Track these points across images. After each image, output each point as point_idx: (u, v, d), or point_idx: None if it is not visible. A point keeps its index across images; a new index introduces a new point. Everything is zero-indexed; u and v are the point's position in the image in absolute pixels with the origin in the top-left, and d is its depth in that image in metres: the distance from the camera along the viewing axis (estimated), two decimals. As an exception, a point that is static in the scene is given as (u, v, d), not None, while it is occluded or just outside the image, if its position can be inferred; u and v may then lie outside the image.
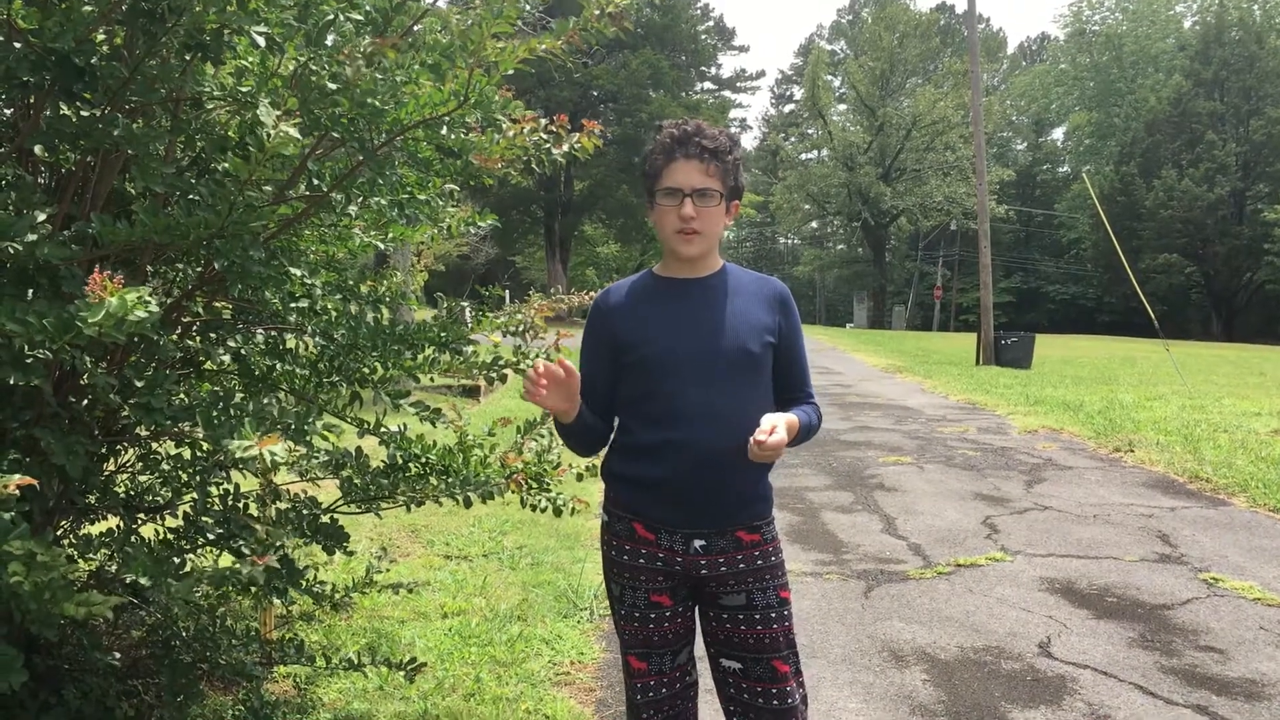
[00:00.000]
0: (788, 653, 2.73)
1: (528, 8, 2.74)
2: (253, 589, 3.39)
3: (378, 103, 2.64)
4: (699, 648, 2.84)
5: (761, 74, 77.57)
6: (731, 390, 2.63)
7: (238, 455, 2.25)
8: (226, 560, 2.96)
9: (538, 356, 2.96)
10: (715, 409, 2.59)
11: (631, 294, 2.76)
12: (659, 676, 2.75)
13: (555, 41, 2.82)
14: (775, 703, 2.70)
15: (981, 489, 8.82)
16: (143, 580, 2.47)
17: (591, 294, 4.10)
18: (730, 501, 2.65)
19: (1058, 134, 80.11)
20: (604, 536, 2.82)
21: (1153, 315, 20.75)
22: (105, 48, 2.55)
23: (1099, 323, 62.08)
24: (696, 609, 2.81)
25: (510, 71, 2.81)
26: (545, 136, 3.08)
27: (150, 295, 2.06)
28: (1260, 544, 6.93)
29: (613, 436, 2.81)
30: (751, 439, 2.48)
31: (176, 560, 2.94)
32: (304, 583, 3.58)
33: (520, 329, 3.63)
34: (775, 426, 2.50)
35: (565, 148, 3.13)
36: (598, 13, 2.80)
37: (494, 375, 3.61)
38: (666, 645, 2.74)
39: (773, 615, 2.70)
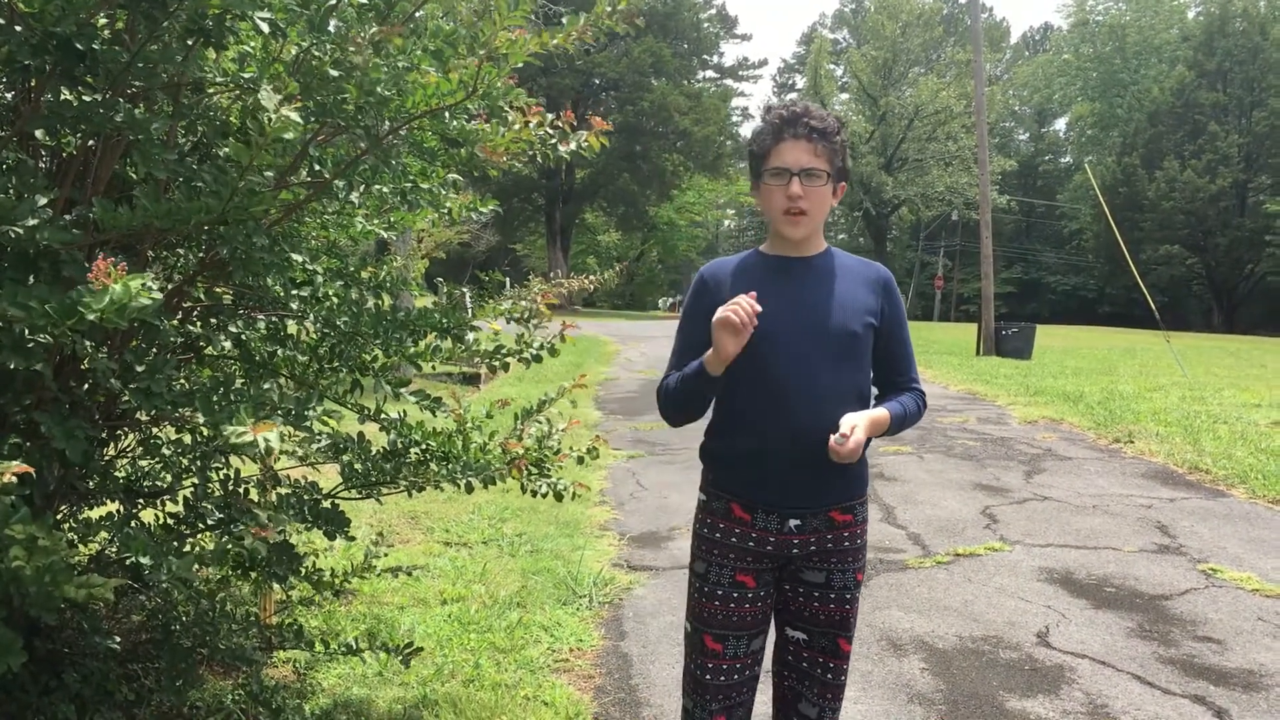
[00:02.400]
0: (852, 633, 2.80)
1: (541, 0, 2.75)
2: (252, 574, 3.40)
3: (384, 91, 2.64)
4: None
5: (764, 63, 77.39)
6: (833, 369, 2.64)
7: (232, 441, 2.25)
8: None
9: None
10: (817, 387, 2.62)
11: (737, 270, 2.77)
12: (731, 660, 2.76)
13: (566, 37, 2.82)
14: (829, 676, 2.78)
15: (981, 479, 8.83)
16: (143, 560, 2.47)
17: (592, 278, 4.10)
18: (827, 479, 2.67)
19: (1060, 124, 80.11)
20: (698, 515, 2.84)
21: (1154, 306, 20.75)
22: (107, 32, 2.55)
23: (1100, 314, 62.09)
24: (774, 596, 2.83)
25: (520, 64, 2.82)
26: (551, 132, 3.08)
27: (153, 282, 2.06)
28: (1259, 535, 6.93)
29: (711, 417, 2.82)
30: (831, 439, 2.51)
31: (176, 544, 2.94)
32: (304, 569, 3.59)
33: (523, 316, 3.63)
34: (855, 427, 2.53)
35: (572, 145, 3.13)
36: (609, 9, 2.81)
37: (497, 364, 3.61)
38: (744, 629, 2.76)
39: (847, 596, 2.76)
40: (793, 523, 2.69)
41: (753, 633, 2.78)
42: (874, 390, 2.82)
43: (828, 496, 2.71)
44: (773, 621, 2.86)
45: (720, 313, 2.48)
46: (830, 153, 2.62)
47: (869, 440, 2.64)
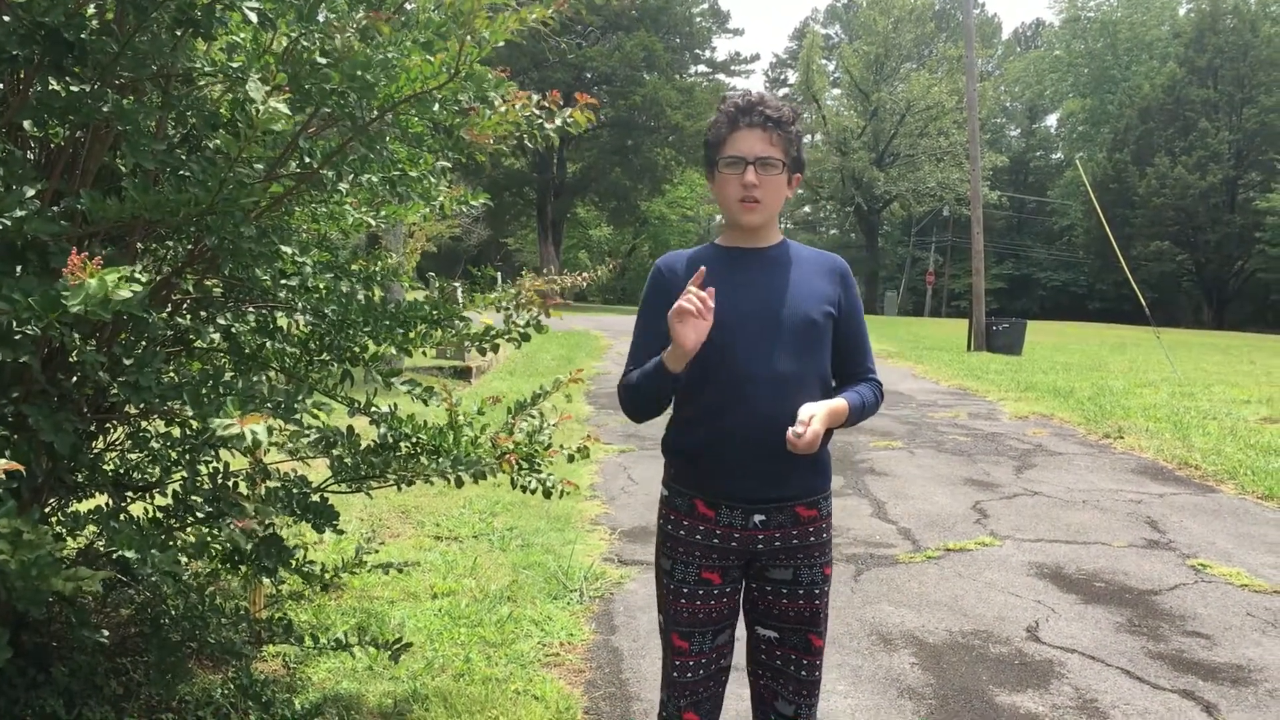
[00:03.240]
0: (823, 628, 2.78)
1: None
2: (241, 568, 3.39)
3: (370, 76, 2.62)
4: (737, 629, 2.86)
5: (756, 58, 77.20)
6: (793, 358, 2.63)
7: (219, 433, 2.24)
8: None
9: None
10: (777, 376, 2.60)
11: (693, 262, 2.74)
12: (697, 656, 2.76)
13: (545, 11, 2.79)
14: (804, 673, 2.77)
15: (971, 474, 8.84)
16: (128, 553, 2.46)
17: (583, 275, 4.09)
18: (791, 469, 2.64)
19: (1051, 120, 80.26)
20: (662, 510, 2.83)
21: (1144, 302, 20.77)
22: (95, 22, 2.53)
23: (1090, 310, 62.17)
24: (742, 588, 2.83)
25: (501, 43, 2.79)
26: (537, 112, 3.07)
27: (141, 273, 2.05)
28: (1248, 530, 6.96)
29: (672, 410, 2.80)
30: (789, 431, 2.49)
31: (164, 538, 2.93)
32: (293, 561, 3.58)
33: (514, 304, 3.63)
34: (813, 417, 2.51)
35: (558, 123, 3.11)
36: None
37: (486, 346, 3.60)
38: (710, 624, 2.75)
39: (816, 591, 2.74)
40: (757, 518, 2.68)
41: (719, 628, 2.78)
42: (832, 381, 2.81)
43: (791, 488, 2.69)
44: (743, 621, 2.84)
45: (675, 306, 2.47)
46: (785, 142, 2.61)
47: (830, 432, 2.65)
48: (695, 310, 2.45)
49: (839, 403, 2.65)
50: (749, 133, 2.59)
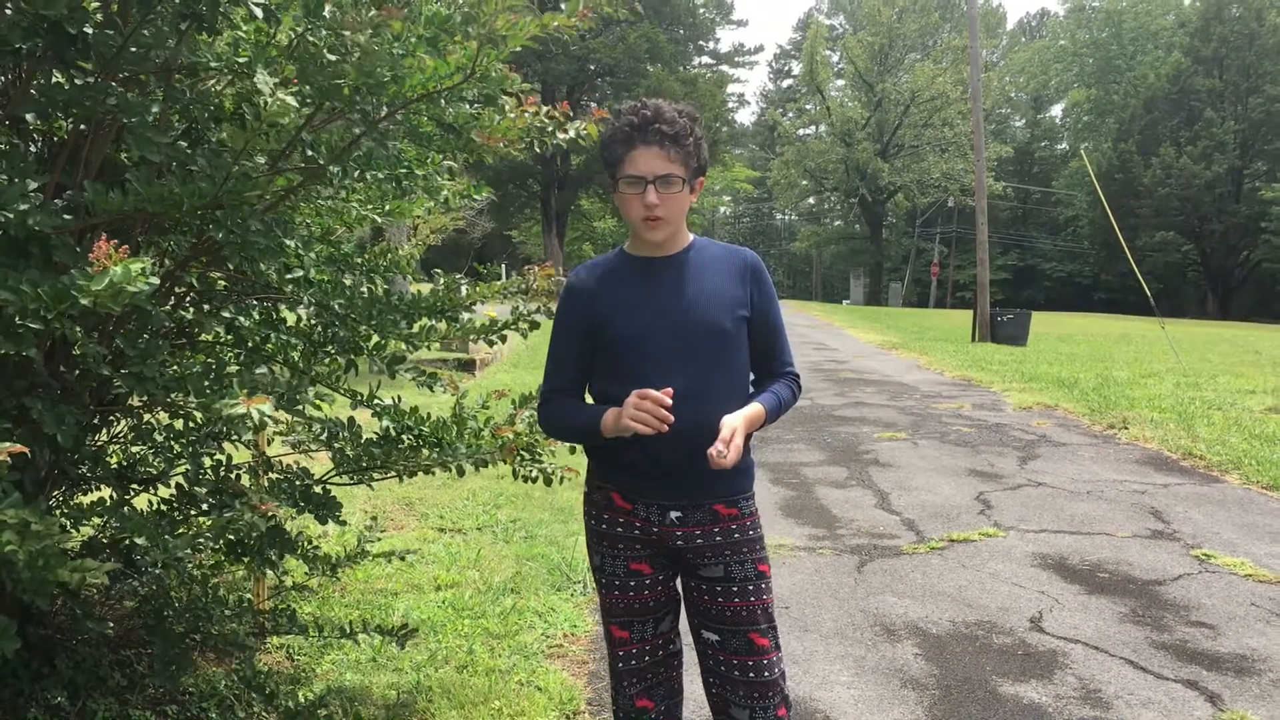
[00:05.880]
0: (765, 626, 2.74)
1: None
2: (245, 558, 3.40)
3: (383, 74, 2.63)
4: (684, 622, 2.86)
5: (760, 49, 77.15)
6: (709, 367, 2.62)
7: (225, 413, 2.25)
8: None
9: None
10: (694, 386, 2.58)
11: (603, 273, 2.74)
12: (640, 644, 2.79)
13: (567, 19, 2.80)
14: (751, 675, 2.72)
15: (976, 465, 8.83)
16: (139, 540, 2.47)
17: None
18: (708, 476, 2.62)
19: (1056, 110, 79.97)
20: (585, 507, 2.85)
21: (1149, 293, 20.76)
22: (99, 15, 2.53)
23: (1095, 300, 62.14)
24: (679, 579, 2.83)
25: (518, 48, 2.81)
26: (546, 121, 3.08)
27: (153, 268, 2.06)
28: (1252, 521, 6.95)
29: None
30: (710, 450, 2.48)
31: (170, 527, 2.94)
32: (299, 547, 3.59)
33: (519, 289, 3.63)
34: (734, 431, 2.53)
35: (570, 134, 3.12)
36: (609, -8, 2.80)
37: (492, 340, 3.61)
38: (648, 613, 2.77)
39: (750, 588, 2.71)
40: (673, 514, 2.68)
41: (657, 615, 2.79)
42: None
43: (708, 492, 2.68)
44: (690, 626, 2.83)
45: (631, 418, 2.47)
46: (684, 156, 2.55)
47: (749, 435, 2.65)
48: (655, 428, 2.46)
49: (756, 409, 2.66)
50: (646, 150, 2.53)
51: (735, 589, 2.70)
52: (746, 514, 2.74)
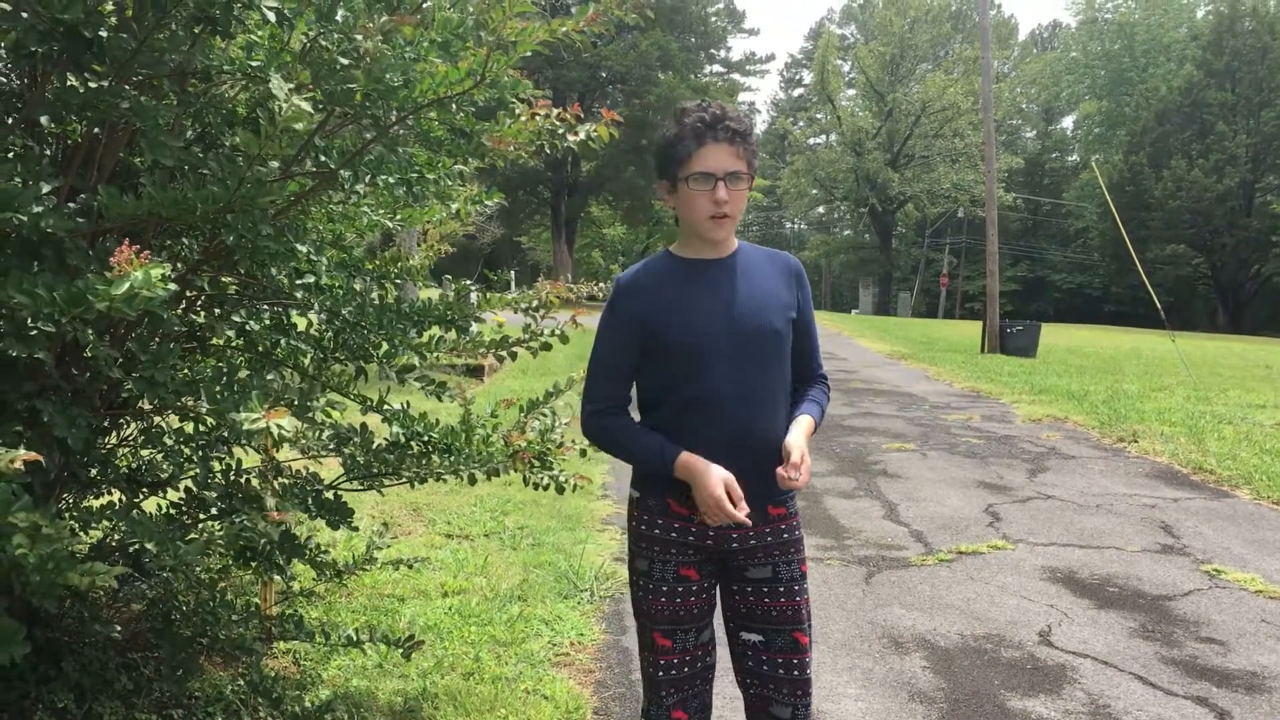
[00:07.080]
0: (807, 625, 2.78)
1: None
2: (253, 564, 3.40)
3: (392, 78, 2.63)
4: (717, 629, 2.85)
5: (771, 57, 77.16)
6: (761, 369, 2.65)
7: (245, 428, 2.25)
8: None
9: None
10: (747, 389, 2.62)
11: (655, 277, 2.72)
12: (681, 654, 2.77)
13: (576, 24, 2.80)
14: (795, 673, 2.75)
15: (984, 477, 8.81)
16: (149, 545, 2.47)
17: (600, 284, 4.10)
18: (763, 477, 2.63)
19: (1067, 122, 79.89)
20: (633, 512, 2.81)
21: (1159, 306, 20.69)
22: (114, 19, 2.54)
23: (1105, 313, 61.94)
24: (718, 587, 2.83)
25: (528, 53, 2.81)
26: (558, 124, 3.07)
27: (171, 274, 2.06)
28: (1263, 536, 6.92)
29: (641, 419, 2.79)
30: (782, 472, 2.54)
31: (180, 532, 2.94)
32: (308, 553, 3.58)
33: (531, 305, 3.62)
34: (804, 455, 2.59)
35: (581, 136, 3.12)
36: (619, -1, 2.81)
37: (503, 354, 3.60)
38: (692, 621, 2.76)
39: (795, 588, 2.75)
40: None
41: (700, 624, 2.78)
42: None
43: (764, 493, 2.68)
44: (724, 630, 2.84)
45: (721, 504, 2.51)
46: (749, 154, 2.61)
47: None
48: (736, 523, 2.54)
49: (808, 423, 2.72)
50: (716, 148, 2.56)
51: (782, 589, 2.74)
52: (793, 513, 2.78)
